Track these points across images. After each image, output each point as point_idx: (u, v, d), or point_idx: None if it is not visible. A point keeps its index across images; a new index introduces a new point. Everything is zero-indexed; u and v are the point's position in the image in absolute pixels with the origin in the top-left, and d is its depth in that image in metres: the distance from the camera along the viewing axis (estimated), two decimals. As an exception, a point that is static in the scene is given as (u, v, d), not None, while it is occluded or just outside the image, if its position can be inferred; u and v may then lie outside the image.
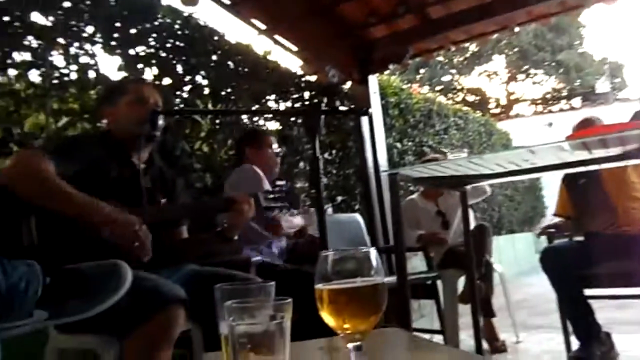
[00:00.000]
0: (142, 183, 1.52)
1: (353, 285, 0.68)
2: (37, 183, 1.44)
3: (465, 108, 8.11)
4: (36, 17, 2.54)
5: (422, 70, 23.80)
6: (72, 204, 1.43)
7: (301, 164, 4.20)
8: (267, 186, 2.09)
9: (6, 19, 2.40)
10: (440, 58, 23.25)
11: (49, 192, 1.44)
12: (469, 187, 2.50)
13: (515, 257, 8.26)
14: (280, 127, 4.08)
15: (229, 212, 1.74)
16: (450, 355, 0.81)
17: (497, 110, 25.44)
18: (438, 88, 23.45)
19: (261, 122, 3.95)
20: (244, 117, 3.74)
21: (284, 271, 2.20)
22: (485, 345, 3.13)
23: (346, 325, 0.69)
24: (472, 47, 23.55)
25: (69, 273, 1.10)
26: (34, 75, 2.55)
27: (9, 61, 2.45)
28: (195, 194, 2.90)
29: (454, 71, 25.49)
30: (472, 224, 3.14)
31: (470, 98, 25.15)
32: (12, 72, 2.48)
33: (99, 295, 1.12)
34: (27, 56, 2.52)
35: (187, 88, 3.28)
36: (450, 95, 23.70)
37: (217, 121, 3.47)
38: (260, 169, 2.40)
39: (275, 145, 2.54)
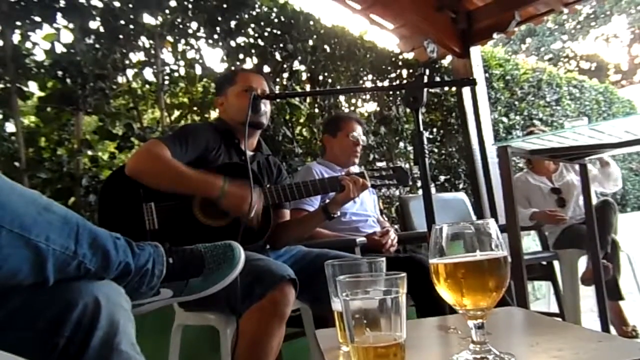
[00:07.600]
0: (250, 169, 1.57)
1: (474, 259, 0.64)
2: (156, 164, 1.57)
3: (579, 76, 7.43)
4: (146, 18, 2.72)
5: (528, 40, 22.13)
6: (188, 180, 1.57)
7: (401, 144, 4.12)
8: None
9: (122, 22, 2.60)
10: (550, 24, 21.44)
11: (167, 171, 1.57)
12: (594, 170, 2.25)
13: (643, 237, 7.47)
14: (379, 108, 4.03)
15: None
16: (586, 335, 0.73)
17: (618, 77, 22.94)
18: (546, 57, 21.66)
19: (359, 103, 3.93)
20: (342, 99, 3.73)
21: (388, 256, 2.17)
22: (612, 330, 2.87)
23: (466, 302, 0.65)
24: (587, 8, 21.43)
25: (188, 254, 1.15)
26: (148, 73, 2.76)
27: (127, 62, 2.66)
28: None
29: (565, 37, 23.31)
30: (593, 201, 2.87)
31: (585, 65, 22.92)
32: (129, 72, 2.69)
33: (215, 274, 1.17)
34: (140, 56, 2.72)
35: (285, 75, 3.34)
36: (560, 64, 21.77)
37: (316, 105, 3.50)
38: (335, 157, 2.41)
39: (356, 132, 2.38)
